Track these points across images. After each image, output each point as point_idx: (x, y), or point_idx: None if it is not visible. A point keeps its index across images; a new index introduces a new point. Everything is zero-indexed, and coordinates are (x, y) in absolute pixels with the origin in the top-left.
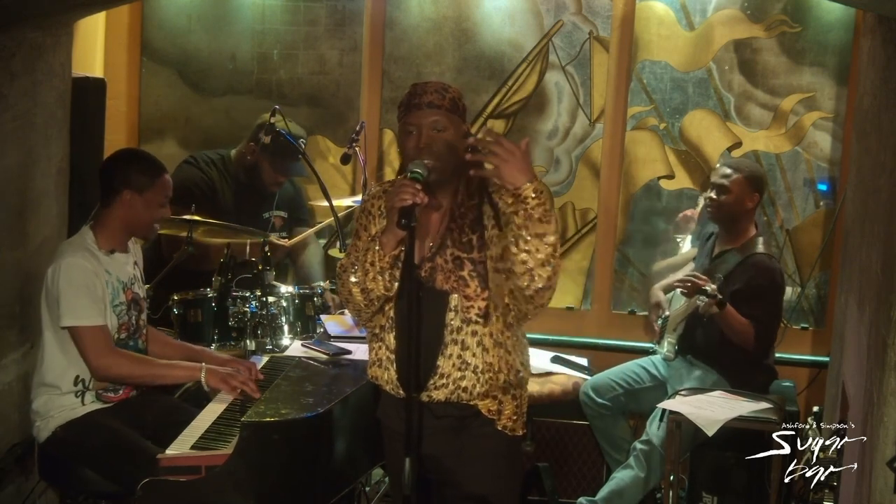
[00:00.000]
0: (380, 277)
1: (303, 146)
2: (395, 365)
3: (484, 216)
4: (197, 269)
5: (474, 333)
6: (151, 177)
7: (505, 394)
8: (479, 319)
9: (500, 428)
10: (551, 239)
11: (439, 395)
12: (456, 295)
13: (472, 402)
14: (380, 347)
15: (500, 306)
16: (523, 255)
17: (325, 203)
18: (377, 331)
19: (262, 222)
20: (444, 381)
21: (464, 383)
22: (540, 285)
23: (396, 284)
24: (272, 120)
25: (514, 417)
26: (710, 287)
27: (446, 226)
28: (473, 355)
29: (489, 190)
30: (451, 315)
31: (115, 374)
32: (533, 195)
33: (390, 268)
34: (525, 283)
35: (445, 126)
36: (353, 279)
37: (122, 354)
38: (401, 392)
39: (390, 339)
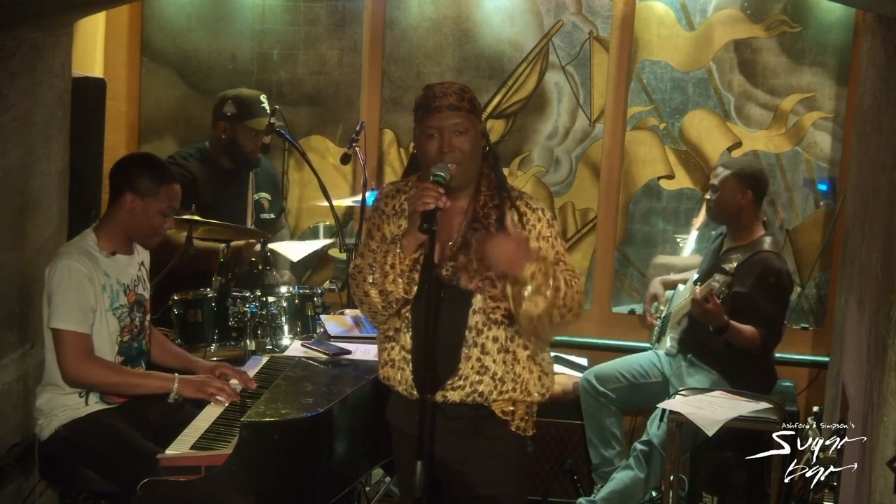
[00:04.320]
0: (400, 280)
1: (264, 101)
2: (410, 365)
3: (507, 217)
4: (197, 270)
5: (495, 339)
6: (156, 184)
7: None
8: (503, 321)
9: (513, 429)
10: (551, 296)
11: (454, 396)
12: (480, 296)
13: (486, 404)
14: (393, 348)
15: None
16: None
17: (326, 203)
18: (391, 332)
19: (255, 205)
20: (461, 382)
21: (481, 388)
22: (555, 327)
23: (415, 287)
24: (272, 120)
25: (526, 418)
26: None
27: (469, 225)
28: (493, 361)
29: (510, 193)
30: (474, 317)
31: (88, 381)
32: (529, 278)
33: (410, 270)
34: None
35: (467, 128)
36: (370, 280)
37: (97, 363)
38: (414, 393)
39: (406, 339)
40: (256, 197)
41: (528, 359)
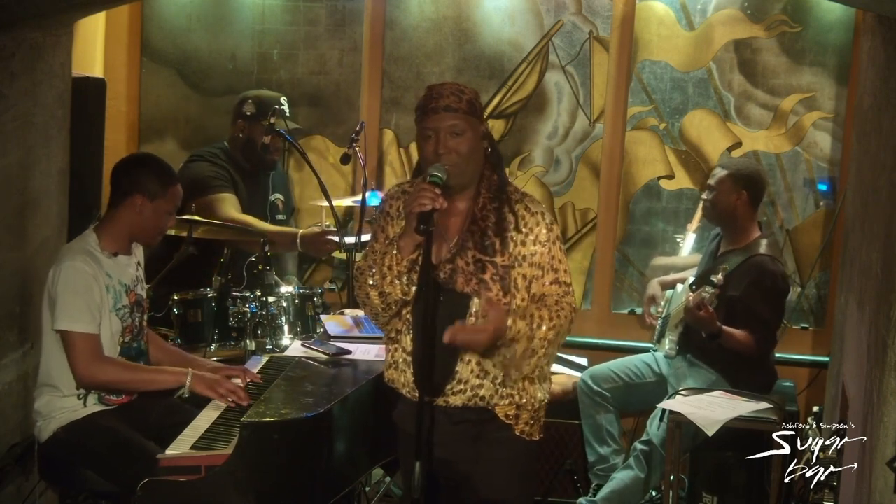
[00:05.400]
0: (397, 282)
1: (284, 103)
2: (411, 368)
3: (506, 220)
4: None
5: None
6: (165, 185)
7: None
8: None
9: (517, 433)
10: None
11: (456, 400)
12: (477, 299)
13: (489, 408)
14: (396, 350)
15: None
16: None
17: (326, 203)
18: (393, 334)
19: (270, 206)
20: (461, 386)
21: (482, 392)
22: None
23: (414, 288)
24: (272, 120)
25: (531, 422)
26: (717, 277)
27: (467, 227)
28: (494, 365)
29: (510, 195)
30: (471, 320)
31: (101, 381)
32: (512, 338)
33: (408, 272)
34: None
35: (464, 129)
36: (370, 282)
37: (108, 362)
38: (416, 395)
39: (407, 341)
40: (272, 198)
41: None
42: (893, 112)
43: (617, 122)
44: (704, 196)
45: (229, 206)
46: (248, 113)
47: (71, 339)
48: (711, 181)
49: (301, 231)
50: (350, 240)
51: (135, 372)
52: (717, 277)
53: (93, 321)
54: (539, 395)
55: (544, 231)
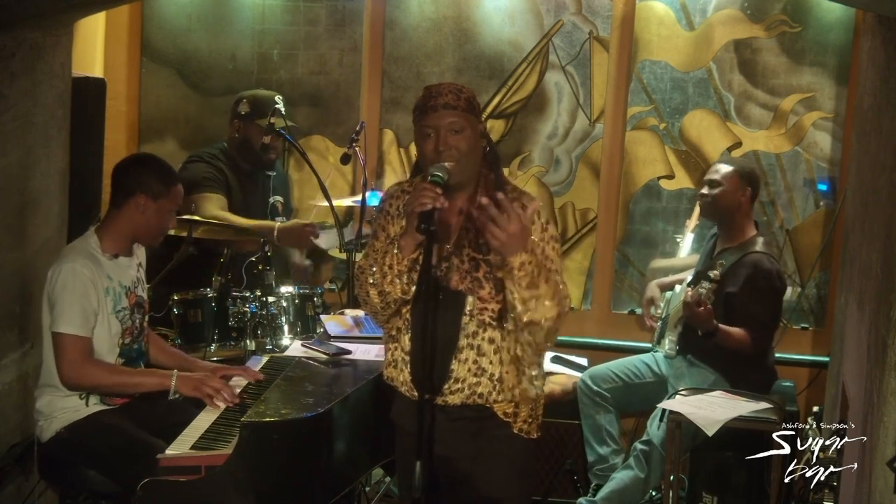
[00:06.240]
0: (398, 281)
1: (279, 102)
2: (409, 367)
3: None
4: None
5: (491, 340)
6: (167, 184)
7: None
8: (492, 322)
9: (515, 431)
10: (545, 300)
11: (455, 399)
12: (471, 297)
13: (487, 405)
14: (395, 349)
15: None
16: (520, 312)
17: (326, 203)
18: (393, 332)
19: (270, 208)
20: (459, 385)
21: (479, 389)
22: (540, 339)
23: (414, 288)
24: (272, 120)
25: (530, 420)
26: (714, 273)
27: (463, 226)
28: (490, 363)
29: (506, 193)
30: (465, 318)
31: (87, 384)
32: (517, 268)
33: (408, 271)
34: (528, 336)
35: (463, 127)
36: (371, 281)
37: (94, 365)
38: (415, 393)
39: (405, 340)
40: (272, 200)
41: (517, 359)
42: (893, 112)
43: (617, 122)
44: (705, 191)
45: (211, 205)
46: (243, 112)
47: (61, 340)
48: (716, 177)
49: (278, 224)
50: (345, 236)
51: (120, 375)
52: (715, 273)
53: (85, 324)
54: (535, 391)
55: (538, 230)
